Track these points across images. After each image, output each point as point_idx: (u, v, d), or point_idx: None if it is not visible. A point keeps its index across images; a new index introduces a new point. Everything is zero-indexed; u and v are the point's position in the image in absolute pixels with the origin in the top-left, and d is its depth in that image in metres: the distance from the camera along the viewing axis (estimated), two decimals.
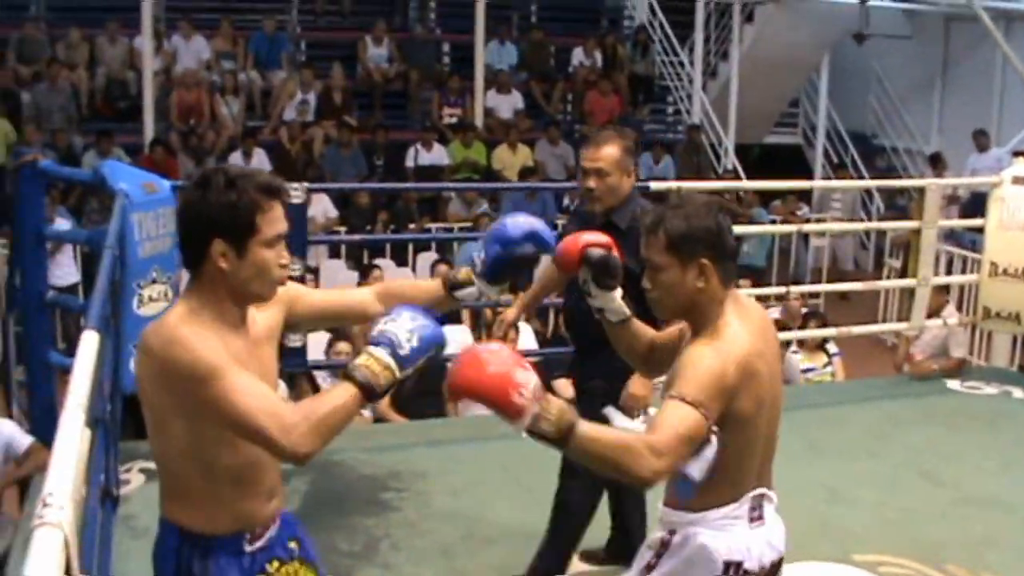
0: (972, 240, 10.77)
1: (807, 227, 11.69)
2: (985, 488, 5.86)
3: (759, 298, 9.59)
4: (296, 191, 6.01)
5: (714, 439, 2.78)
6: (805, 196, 14.36)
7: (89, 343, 3.22)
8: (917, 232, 7.59)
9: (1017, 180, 7.46)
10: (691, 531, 2.90)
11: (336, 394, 2.53)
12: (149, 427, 2.70)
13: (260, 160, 12.70)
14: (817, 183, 15.09)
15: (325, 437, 2.52)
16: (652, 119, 16.93)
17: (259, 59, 14.77)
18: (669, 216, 2.87)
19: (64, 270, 10.02)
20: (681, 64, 16.80)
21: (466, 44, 15.41)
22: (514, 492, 5.67)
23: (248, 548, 2.79)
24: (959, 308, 8.98)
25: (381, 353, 2.54)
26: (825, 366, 8.36)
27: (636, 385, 4.38)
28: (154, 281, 5.50)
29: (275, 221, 2.65)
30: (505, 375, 2.47)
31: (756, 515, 2.93)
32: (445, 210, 13.10)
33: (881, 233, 13.93)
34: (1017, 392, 7.40)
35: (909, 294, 7.83)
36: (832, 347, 8.50)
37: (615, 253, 3.09)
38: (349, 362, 2.57)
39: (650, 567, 2.95)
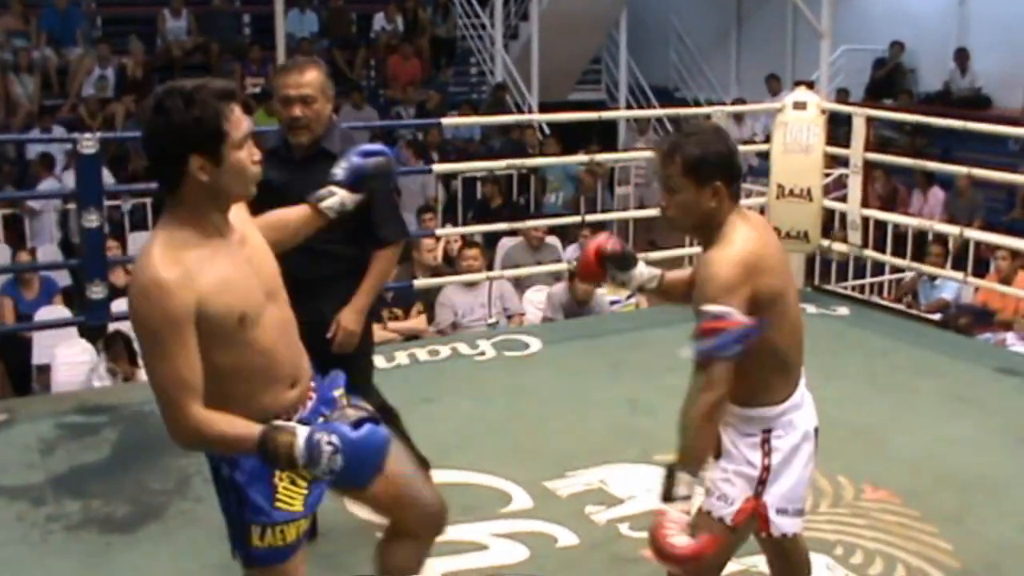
0: None
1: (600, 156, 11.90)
2: None
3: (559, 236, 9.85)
4: (89, 141, 5.98)
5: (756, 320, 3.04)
6: (609, 147, 14.64)
7: None
8: None
9: (797, 105, 7.77)
10: (784, 420, 3.19)
11: (240, 434, 2.73)
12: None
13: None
14: (620, 113, 15.36)
15: (203, 446, 2.85)
16: (456, 81, 17.07)
17: (53, 36, 14.47)
18: (684, 142, 3.12)
19: None
20: (483, 26, 16.95)
21: (266, 14, 15.27)
22: None
23: None
24: None
25: (299, 453, 2.66)
26: (629, 297, 8.59)
27: (347, 318, 4.31)
28: None
29: (239, 122, 2.76)
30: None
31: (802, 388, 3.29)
32: None
33: None
34: (811, 308, 7.69)
35: None
36: None
37: (620, 245, 3.47)
38: (279, 422, 2.76)
39: (767, 468, 3.19)
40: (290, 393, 2.94)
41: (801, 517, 3.29)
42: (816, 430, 3.28)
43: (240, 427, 2.73)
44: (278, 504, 2.90)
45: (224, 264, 2.78)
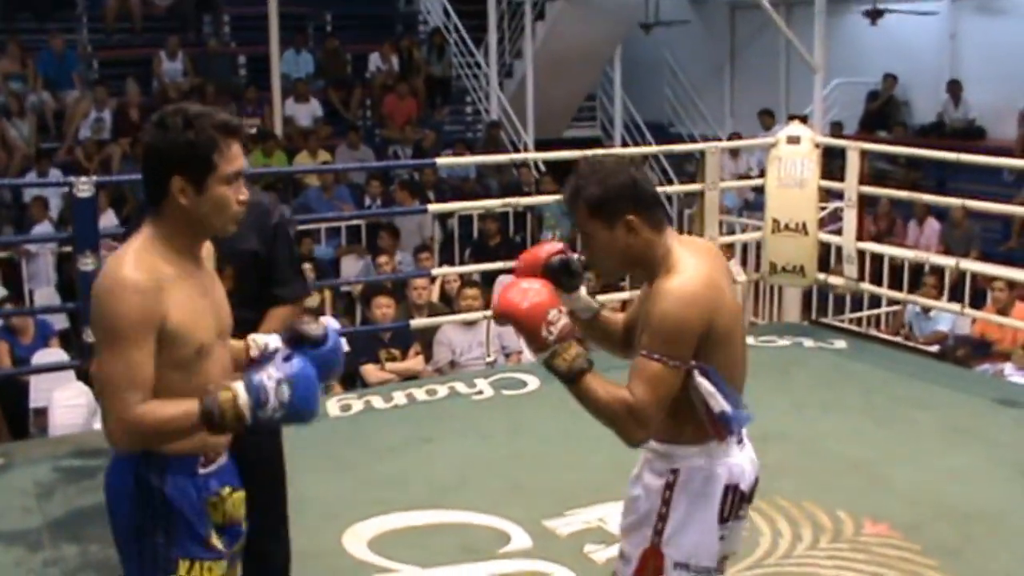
0: None
1: None
2: (776, 425, 6.06)
3: None
4: (84, 184, 5.99)
5: (697, 375, 2.85)
6: None
7: None
8: (701, 196, 7.89)
9: (791, 140, 7.80)
10: (695, 463, 2.94)
11: (180, 412, 2.65)
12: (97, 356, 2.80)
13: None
14: (616, 151, 15.28)
15: (146, 442, 2.72)
16: (451, 119, 17.15)
17: (49, 79, 14.53)
18: (583, 185, 2.91)
19: None
20: (477, 64, 17.03)
21: (261, 55, 15.33)
22: (321, 465, 5.71)
23: (201, 471, 2.84)
24: (743, 264, 9.37)
25: (243, 400, 2.62)
26: None
27: None
28: None
29: (233, 159, 2.75)
30: (541, 310, 2.79)
31: (740, 437, 2.99)
32: None
33: (680, 214, 14.37)
34: (808, 342, 7.72)
35: None
36: None
37: (571, 255, 3.15)
38: (214, 386, 2.66)
39: (663, 516, 2.96)
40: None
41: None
42: (749, 489, 3.01)
43: (180, 405, 2.66)
44: (214, 540, 2.84)
45: (191, 291, 2.76)
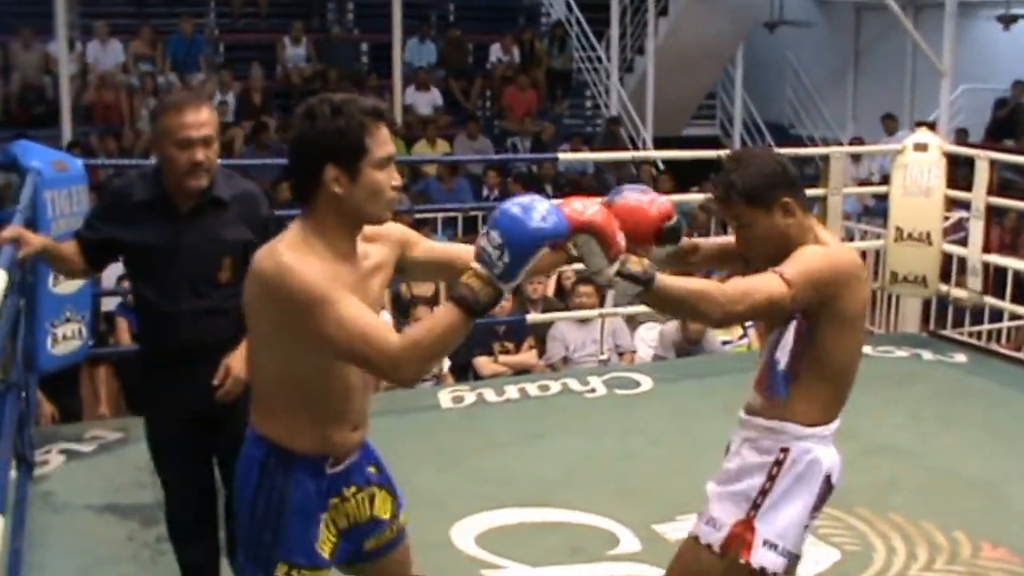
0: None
1: None
2: (892, 438, 6.01)
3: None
4: None
5: (793, 327, 2.98)
6: None
7: None
8: (824, 201, 7.77)
9: (918, 147, 7.66)
10: (804, 446, 3.04)
11: (440, 318, 2.62)
12: (251, 345, 2.88)
13: None
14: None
15: (429, 362, 2.69)
16: (570, 113, 17.16)
17: (177, 61, 14.80)
18: (735, 178, 3.01)
19: None
20: (598, 59, 16.99)
21: (384, 43, 15.49)
22: (430, 456, 5.73)
23: (329, 471, 2.86)
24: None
25: (480, 269, 2.60)
26: (741, 338, 8.50)
27: (237, 365, 3.70)
28: None
29: (383, 142, 2.72)
30: (612, 220, 2.75)
31: (836, 431, 3.13)
32: None
33: None
34: (927, 354, 7.57)
35: None
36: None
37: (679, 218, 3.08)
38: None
39: (765, 491, 3.06)
40: (353, 436, 2.89)
41: (788, 561, 3.07)
42: (836, 485, 3.12)
43: (436, 314, 2.64)
44: (319, 547, 2.85)
45: (344, 284, 2.69)
